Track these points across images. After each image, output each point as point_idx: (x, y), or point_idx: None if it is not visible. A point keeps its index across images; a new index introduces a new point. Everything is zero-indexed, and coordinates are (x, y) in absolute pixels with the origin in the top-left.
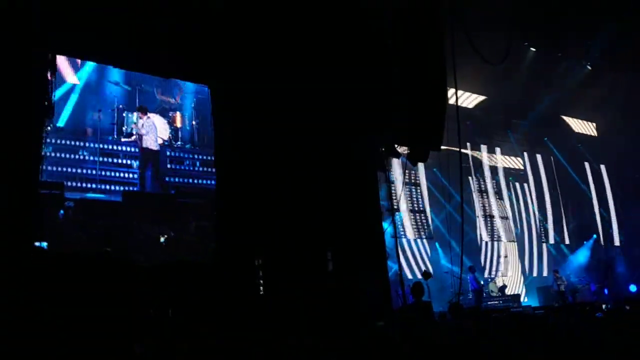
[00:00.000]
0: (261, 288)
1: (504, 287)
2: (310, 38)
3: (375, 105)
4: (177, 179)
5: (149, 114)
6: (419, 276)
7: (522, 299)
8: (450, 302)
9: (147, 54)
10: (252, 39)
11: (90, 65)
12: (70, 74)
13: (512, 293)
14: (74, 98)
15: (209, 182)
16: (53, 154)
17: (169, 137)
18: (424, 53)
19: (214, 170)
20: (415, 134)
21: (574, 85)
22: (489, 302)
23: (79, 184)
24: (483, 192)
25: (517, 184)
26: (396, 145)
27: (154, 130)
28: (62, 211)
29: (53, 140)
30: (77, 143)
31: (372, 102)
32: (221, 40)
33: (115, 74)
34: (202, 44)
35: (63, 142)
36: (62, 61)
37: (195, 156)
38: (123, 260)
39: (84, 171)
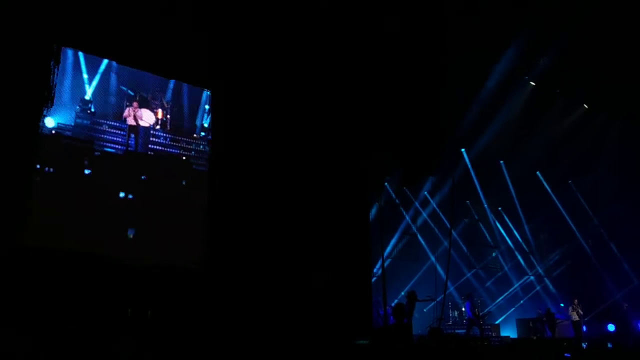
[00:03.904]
0: (244, 301)
1: (486, 314)
2: (315, 56)
3: (373, 127)
4: (155, 147)
5: (141, 108)
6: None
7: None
8: (430, 326)
9: (152, 55)
10: (254, 49)
11: (112, 71)
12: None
13: (491, 323)
14: (99, 94)
15: (174, 150)
16: (90, 126)
17: (153, 123)
18: (424, 78)
19: (178, 144)
20: (410, 158)
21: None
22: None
23: (102, 143)
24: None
25: (506, 216)
26: (390, 167)
27: (140, 115)
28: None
29: (90, 119)
30: (102, 121)
31: (370, 124)
32: (223, 47)
33: (125, 83)
34: (205, 50)
35: (95, 119)
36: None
37: (167, 135)
38: (107, 260)
39: (105, 136)
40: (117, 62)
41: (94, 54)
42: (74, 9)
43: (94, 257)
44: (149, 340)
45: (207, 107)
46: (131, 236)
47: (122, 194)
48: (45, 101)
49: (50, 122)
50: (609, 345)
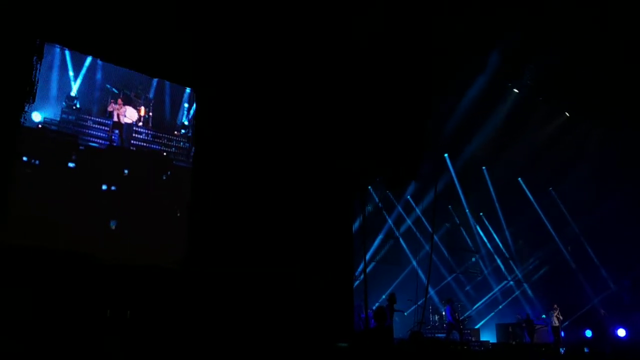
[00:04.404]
0: (225, 301)
1: (466, 319)
2: (299, 57)
3: (357, 132)
4: (137, 143)
5: (125, 106)
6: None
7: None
8: (411, 330)
9: (138, 54)
10: (239, 48)
11: (97, 69)
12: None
13: (471, 327)
14: (85, 91)
15: (155, 146)
16: (76, 121)
17: (136, 120)
18: (408, 86)
19: (160, 141)
20: (393, 162)
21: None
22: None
23: (87, 138)
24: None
25: (487, 221)
26: (374, 171)
27: (124, 112)
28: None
29: (75, 115)
30: (86, 117)
31: (355, 128)
32: (207, 45)
33: (110, 80)
34: (189, 48)
35: (80, 115)
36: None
37: (149, 131)
38: (88, 258)
39: (89, 131)
40: (101, 60)
41: (77, 50)
42: (57, 4)
43: (74, 256)
44: (127, 341)
45: (186, 105)
46: (113, 227)
47: (104, 187)
48: (27, 97)
49: (36, 116)
50: (586, 350)
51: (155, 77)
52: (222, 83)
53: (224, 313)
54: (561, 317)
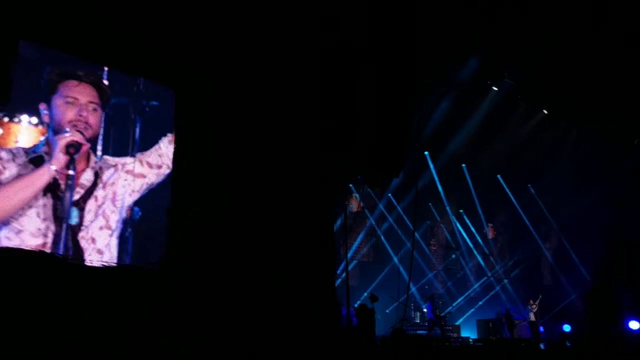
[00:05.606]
0: (206, 301)
1: (446, 315)
2: (280, 56)
3: (339, 128)
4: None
5: None
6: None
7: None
8: (393, 327)
9: (116, 51)
10: (220, 47)
11: None
12: None
13: (452, 324)
14: None
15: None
16: None
17: None
18: (392, 79)
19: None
20: (375, 159)
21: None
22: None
23: None
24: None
25: (467, 217)
26: (356, 169)
27: None
28: None
29: None
30: None
31: (336, 124)
32: (190, 46)
33: None
34: (172, 47)
35: None
36: None
37: None
38: (58, 259)
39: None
40: (79, 58)
41: (55, 48)
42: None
43: (48, 256)
44: (108, 342)
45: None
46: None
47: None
48: (2, 97)
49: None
50: (568, 344)
51: (134, 76)
52: (202, 82)
53: (203, 313)
54: (536, 305)
